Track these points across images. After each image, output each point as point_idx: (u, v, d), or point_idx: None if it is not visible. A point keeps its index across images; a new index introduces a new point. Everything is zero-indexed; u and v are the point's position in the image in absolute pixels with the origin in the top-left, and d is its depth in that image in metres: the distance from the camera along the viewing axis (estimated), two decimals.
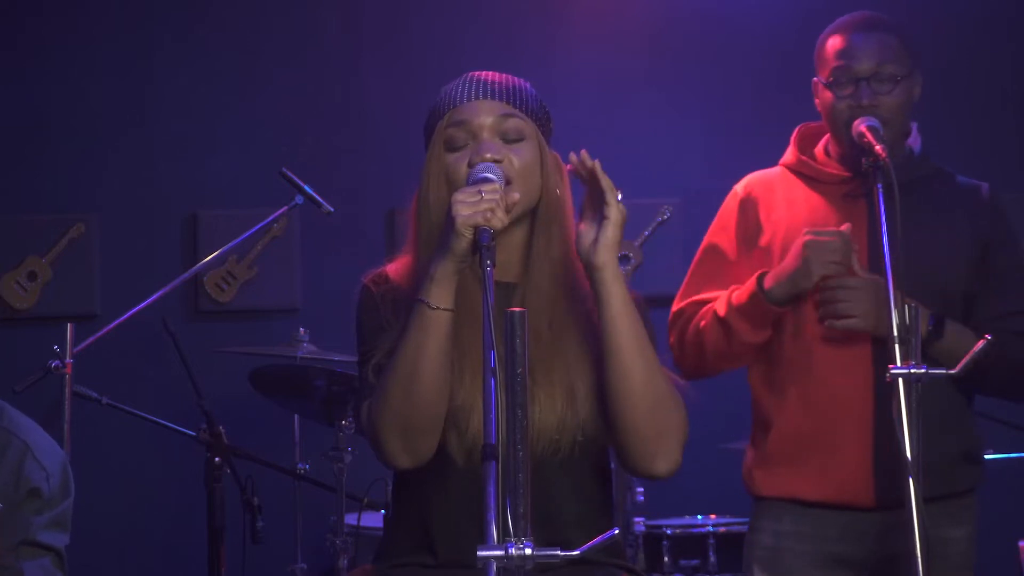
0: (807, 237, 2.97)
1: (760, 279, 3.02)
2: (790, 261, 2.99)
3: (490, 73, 2.51)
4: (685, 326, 3.13)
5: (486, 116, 2.44)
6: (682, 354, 3.14)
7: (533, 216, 2.46)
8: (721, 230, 3.18)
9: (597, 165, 2.37)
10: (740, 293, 3.05)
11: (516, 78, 2.52)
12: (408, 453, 2.37)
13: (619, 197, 2.37)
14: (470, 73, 2.51)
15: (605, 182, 2.36)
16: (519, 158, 2.43)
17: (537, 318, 2.37)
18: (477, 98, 2.46)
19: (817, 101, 3.14)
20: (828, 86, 3.06)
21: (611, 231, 2.36)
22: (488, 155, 2.40)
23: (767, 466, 3.09)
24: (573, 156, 2.41)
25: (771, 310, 3.01)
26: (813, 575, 3.04)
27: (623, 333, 2.37)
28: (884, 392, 2.80)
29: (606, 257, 2.36)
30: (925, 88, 3.11)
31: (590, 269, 2.39)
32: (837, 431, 3.01)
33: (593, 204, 2.40)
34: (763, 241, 3.11)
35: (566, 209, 2.48)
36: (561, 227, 2.46)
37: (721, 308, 3.06)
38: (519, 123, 2.45)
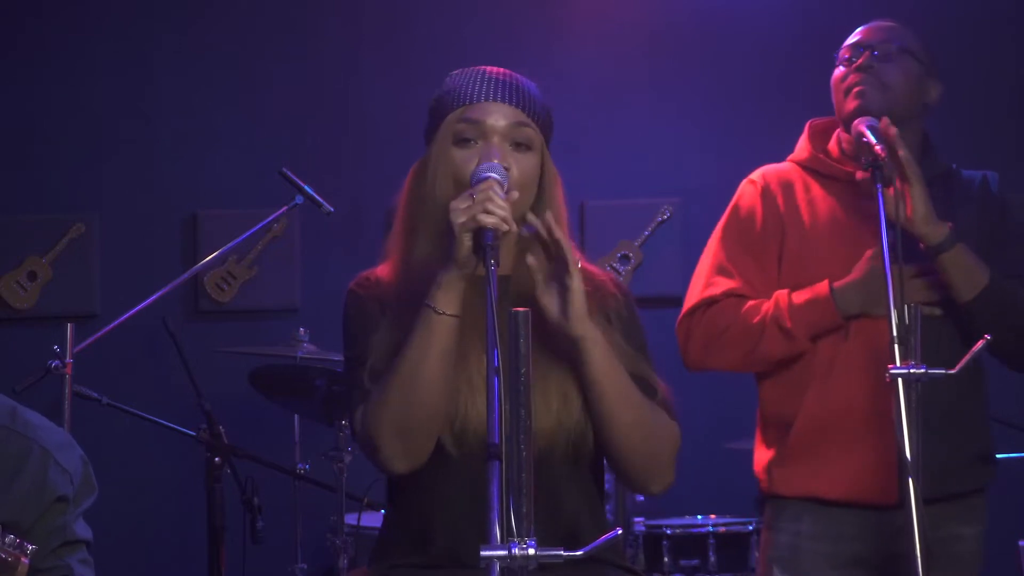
0: (875, 262, 2.92)
1: (831, 286, 2.98)
2: (859, 276, 2.96)
3: (503, 72, 2.48)
4: (720, 318, 3.05)
5: (500, 120, 2.43)
6: (716, 346, 3.06)
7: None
8: (747, 212, 3.11)
9: (563, 236, 2.34)
10: (801, 295, 3.00)
11: (525, 80, 2.50)
12: (406, 456, 2.36)
13: (579, 264, 2.34)
14: (483, 69, 2.49)
15: (568, 252, 2.34)
16: (521, 167, 2.42)
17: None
18: (493, 99, 2.44)
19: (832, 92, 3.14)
20: (838, 64, 3.09)
21: (577, 301, 2.34)
22: (495, 160, 2.38)
23: (787, 464, 3.05)
24: (532, 217, 2.38)
25: (836, 320, 2.97)
26: (831, 575, 3.03)
27: (606, 394, 2.37)
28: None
29: (581, 329, 2.35)
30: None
31: (568, 340, 2.37)
32: (859, 429, 2.98)
33: (550, 264, 2.37)
34: (787, 240, 3.07)
35: (559, 212, 2.45)
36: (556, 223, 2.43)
37: (784, 317, 2.99)
38: (530, 133, 2.44)
